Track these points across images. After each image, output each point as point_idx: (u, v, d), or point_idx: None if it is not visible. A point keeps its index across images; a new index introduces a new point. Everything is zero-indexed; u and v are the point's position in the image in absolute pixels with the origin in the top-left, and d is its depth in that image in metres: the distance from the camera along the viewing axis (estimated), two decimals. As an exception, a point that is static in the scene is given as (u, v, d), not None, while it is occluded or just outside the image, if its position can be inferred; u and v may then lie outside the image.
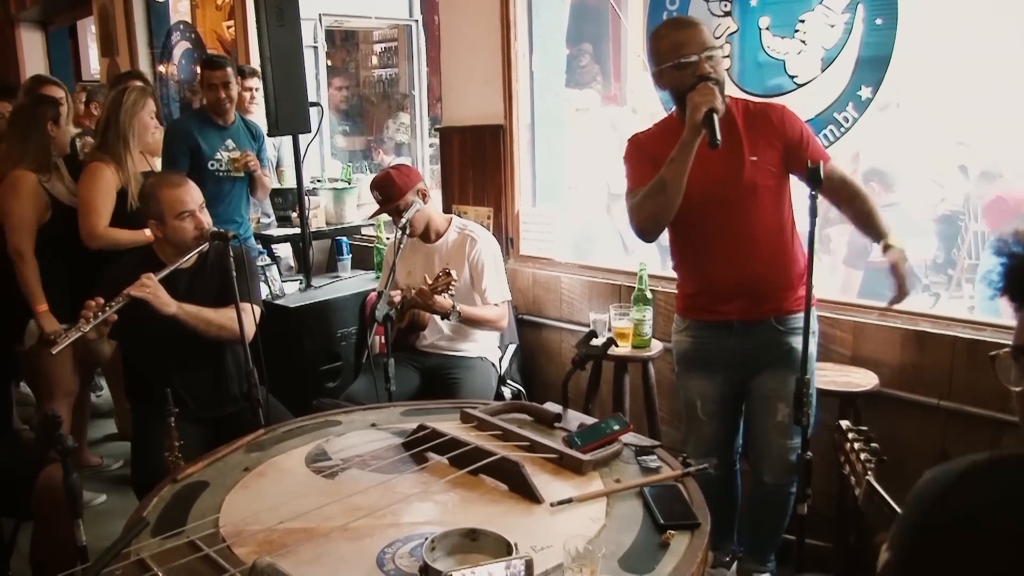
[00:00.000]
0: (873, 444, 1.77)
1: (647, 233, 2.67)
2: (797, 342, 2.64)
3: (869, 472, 1.71)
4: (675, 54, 2.53)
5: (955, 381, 2.88)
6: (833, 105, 3.15)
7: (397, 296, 3.31)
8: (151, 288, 2.79)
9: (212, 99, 4.32)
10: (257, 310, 3.07)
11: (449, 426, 2.29)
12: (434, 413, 2.57)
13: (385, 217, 3.89)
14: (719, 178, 2.58)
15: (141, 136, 3.89)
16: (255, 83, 5.14)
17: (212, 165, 4.29)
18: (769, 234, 2.67)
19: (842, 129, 3.14)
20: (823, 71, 3.18)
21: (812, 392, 2.53)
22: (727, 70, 3.41)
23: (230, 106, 4.36)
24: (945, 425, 2.92)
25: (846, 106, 3.13)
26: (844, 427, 1.88)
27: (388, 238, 4.36)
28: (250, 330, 2.88)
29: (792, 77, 3.23)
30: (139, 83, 4.59)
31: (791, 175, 2.67)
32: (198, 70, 4.49)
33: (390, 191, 3.41)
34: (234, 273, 2.78)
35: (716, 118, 2.41)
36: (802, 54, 3.21)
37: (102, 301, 2.66)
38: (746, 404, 2.83)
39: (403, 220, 3.24)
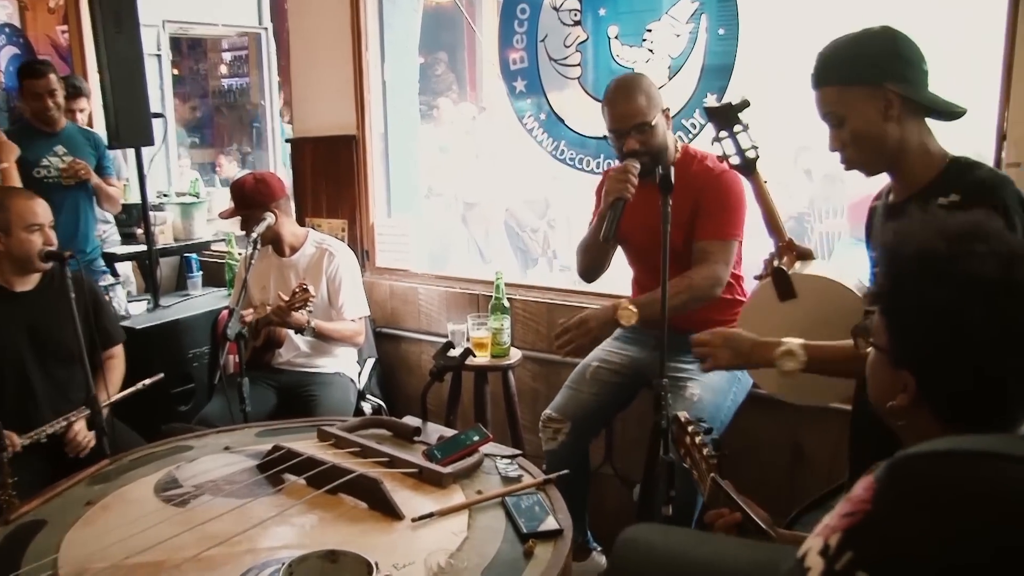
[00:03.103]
0: (713, 436, 1.67)
1: (583, 278, 2.94)
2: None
3: (713, 470, 1.61)
4: (608, 124, 2.66)
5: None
6: (681, 112, 3.23)
7: (249, 316, 3.22)
8: None
9: (37, 108, 4.07)
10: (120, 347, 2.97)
11: (306, 445, 2.24)
12: (290, 433, 2.50)
13: (238, 231, 3.77)
14: (641, 227, 2.64)
15: None
16: (82, 104, 4.85)
17: (38, 172, 4.02)
18: None
19: (690, 135, 3.22)
20: (671, 79, 3.26)
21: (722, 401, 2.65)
22: (578, 79, 3.47)
23: (58, 114, 4.11)
24: (797, 417, 3.02)
25: (693, 113, 3.22)
26: (683, 419, 1.75)
27: (240, 253, 4.22)
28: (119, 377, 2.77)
29: (641, 85, 3.30)
30: None
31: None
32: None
33: (244, 200, 3.32)
34: (75, 310, 2.59)
35: (620, 208, 2.48)
36: (650, 62, 3.28)
37: None
38: None
39: (254, 234, 3.15)
